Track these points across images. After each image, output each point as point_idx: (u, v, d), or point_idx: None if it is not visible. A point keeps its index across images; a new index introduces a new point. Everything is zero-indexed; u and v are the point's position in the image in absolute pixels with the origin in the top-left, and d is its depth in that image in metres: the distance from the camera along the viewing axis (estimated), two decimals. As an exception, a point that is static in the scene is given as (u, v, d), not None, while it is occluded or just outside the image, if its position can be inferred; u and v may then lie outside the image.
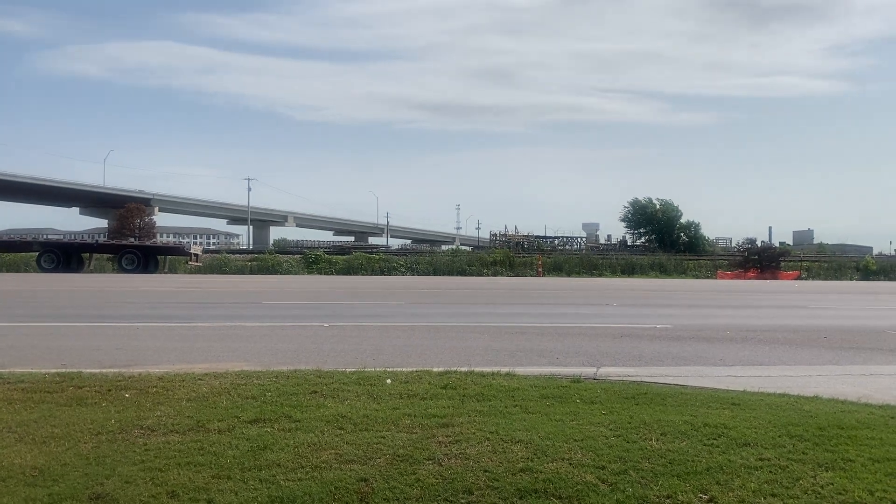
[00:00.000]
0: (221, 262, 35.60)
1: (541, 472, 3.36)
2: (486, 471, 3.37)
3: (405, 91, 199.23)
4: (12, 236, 47.08)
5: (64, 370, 5.58)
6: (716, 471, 3.41)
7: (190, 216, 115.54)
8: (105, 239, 52.34)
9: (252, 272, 33.39)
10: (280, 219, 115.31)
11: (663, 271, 37.75)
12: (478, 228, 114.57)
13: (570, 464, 3.47)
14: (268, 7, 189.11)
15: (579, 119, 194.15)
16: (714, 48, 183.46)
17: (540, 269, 35.50)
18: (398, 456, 3.55)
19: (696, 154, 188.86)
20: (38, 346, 7.60)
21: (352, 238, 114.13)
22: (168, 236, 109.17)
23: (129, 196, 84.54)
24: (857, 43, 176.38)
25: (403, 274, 34.57)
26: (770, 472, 3.42)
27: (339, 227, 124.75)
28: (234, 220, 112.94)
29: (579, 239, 64.73)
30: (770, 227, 68.90)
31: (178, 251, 35.10)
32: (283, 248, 64.15)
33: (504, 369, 5.79)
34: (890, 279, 35.93)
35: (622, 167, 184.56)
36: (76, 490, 3.11)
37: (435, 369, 5.77)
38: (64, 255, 31.43)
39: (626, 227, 60.85)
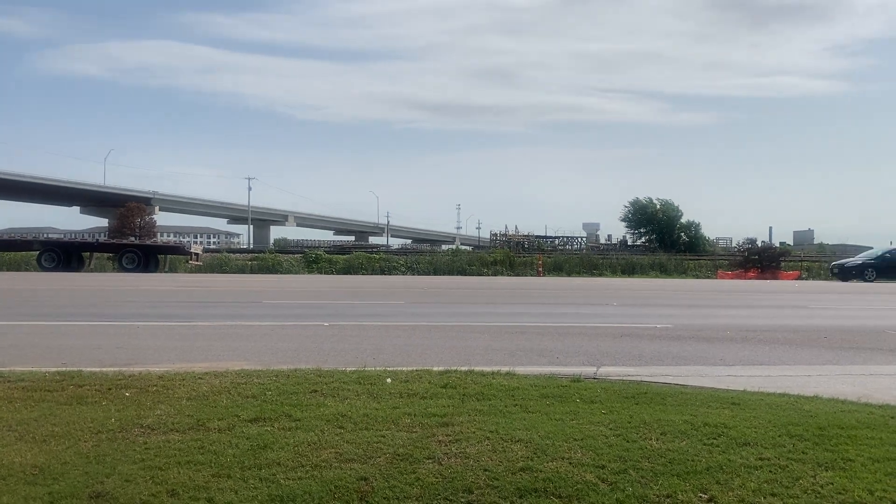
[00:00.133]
0: (222, 261, 35.62)
1: (541, 472, 3.36)
2: (486, 470, 3.38)
3: (405, 91, 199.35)
4: (13, 235, 47.09)
5: (64, 369, 5.58)
6: (716, 470, 3.42)
7: (190, 215, 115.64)
8: (105, 238, 52.40)
9: (252, 271, 33.40)
10: (280, 218, 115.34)
11: (664, 271, 37.74)
12: (478, 228, 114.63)
13: (570, 463, 3.47)
14: (268, 7, 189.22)
15: (579, 119, 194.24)
16: (714, 48, 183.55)
17: (540, 269, 35.50)
18: (398, 455, 3.55)
19: (697, 154, 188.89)
20: (38, 345, 7.60)
21: (352, 237, 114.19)
22: (168, 235, 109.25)
23: (129, 195, 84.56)
24: (857, 43, 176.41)
25: (404, 273, 34.57)
26: (770, 471, 3.42)
27: (340, 227, 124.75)
28: (235, 220, 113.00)
29: (579, 239, 64.70)
30: (770, 227, 68.83)
31: (179, 250, 35.09)
32: (284, 247, 64.16)
33: (504, 369, 5.79)
34: (890, 279, 35.90)
35: (622, 167, 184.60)
36: (76, 488, 3.11)
37: (435, 368, 5.77)
38: (64, 255, 31.43)
39: (627, 226, 60.84)
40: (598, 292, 20.51)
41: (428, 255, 43.22)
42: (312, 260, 35.96)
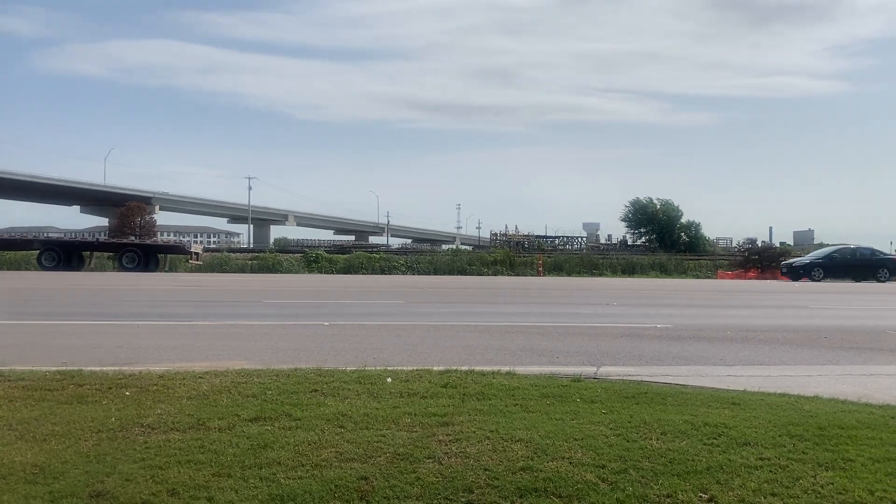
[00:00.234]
0: (222, 260, 35.61)
1: (541, 471, 3.36)
2: (486, 469, 3.38)
3: (405, 91, 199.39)
4: (13, 234, 47.04)
5: (64, 368, 5.58)
6: (716, 470, 3.42)
7: (190, 215, 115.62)
8: (106, 237, 52.39)
9: (252, 271, 33.40)
10: (280, 218, 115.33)
11: (664, 271, 37.73)
12: (478, 228, 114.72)
13: (571, 463, 3.47)
14: (268, 6, 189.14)
15: (579, 119, 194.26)
16: (714, 48, 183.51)
17: (540, 269, 35.50)
18: (398, 454, 3.55)
19: (697, 154, 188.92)
20: (38, 344, 7.61)
21: (352, 237, 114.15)
22: (169, 235, 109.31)
23: (129, 195, 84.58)
24: (858, 43, 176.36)
25: (404, 273, 34.57)
26: (770, 471, 3.42)
27: (340, 227, 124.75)
28: (235, 219, 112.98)
29: (580, 238, 64.68)
30: (770, 227, 68.77)
31: (179, 250, 35.05)
32: (284, 246, 64.18)
33: (504, 368, 5.79)
34: (890, 279, 35.90)
35: (622, 167, 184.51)
36: (76, 488, 3.11)
37: (435, 368, 5.77)
38: (65, 254, 31.41)
39: (627, 226, 60.81)
40: (599, 292, 20.51)
41: (428, 255, 43.18)
42: (313, 259, 35.95)
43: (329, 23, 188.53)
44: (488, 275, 34.43)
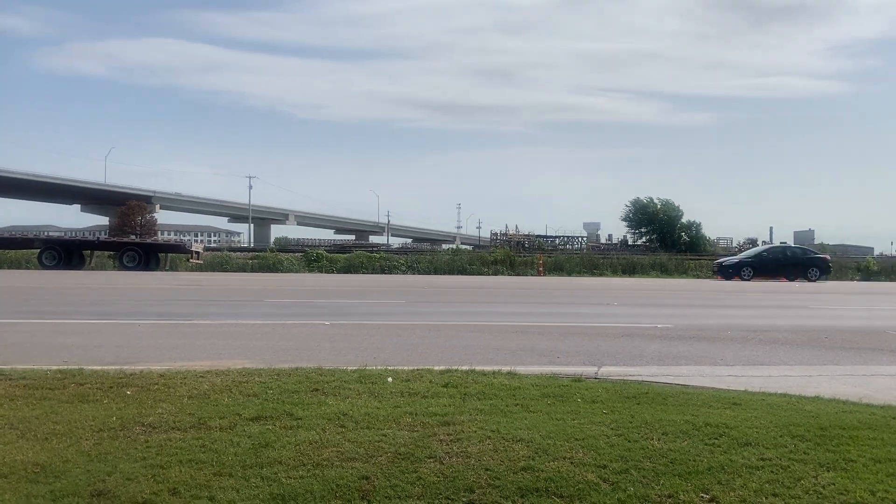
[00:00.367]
0: (222, 259, 35.56)
1: (542, 471, 3.36)
2: (487, 469, 3.38)
3: (406, 90, 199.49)
4: (14, 233, 47.04)
5: (66, 367, 5.58)
6: (717, 470, 3.41)
7: (191, 214, 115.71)
8: (106, 236, 52.37)
9: (253, 270, 33.38)
10: (281, 217, 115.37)
11: (664, 271, 37.70)
12: (478, 227, 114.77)
13: (572, 463, 3.47)
14: (269, 5, 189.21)
15: (580, 119, 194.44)
16: (715, 48, 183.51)
17: (541, 269, 35.48)
18: (400, 454, 3.55)
19: (697, 154, 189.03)
20: (39, 343, 7.61)
21: (353, 236, 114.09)
22: (169, 234, 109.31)
23: (130, 194, 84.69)
24: (859, 43, 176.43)
25: (404, 273, 34.56)
26: (772, 471, 3.42)
27: (340, 226, 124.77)
28: (235, 218, 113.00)
29: (580, 238, 64.62)
30: (771, 228, 68.60)
31: (179, 249, 35.04)
32: (284, 246, 64.03)
33: (505, 368, 5.79)
34: (891, 279, 35.92)
35: (623, 167, 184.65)
36: (78, 487, 3.11)
37: (436, 368, 5.77)
38: (65, 253, 31.40)
39: (627, 226, 60.72)
40: (599, 292, 20.50)
41: (428, 255, 43.12)
42: (313, 259, 35.92)
43: (329, 22, 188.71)
44: (488, 274, 34.42)
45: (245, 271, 33.06)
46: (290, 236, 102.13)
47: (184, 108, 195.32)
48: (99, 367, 5.65)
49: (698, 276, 36.90)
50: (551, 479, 3.27)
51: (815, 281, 30.83)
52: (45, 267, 30.36)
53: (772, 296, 20.58)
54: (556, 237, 62.15)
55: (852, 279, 36.22)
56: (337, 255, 39.50)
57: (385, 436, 3.84)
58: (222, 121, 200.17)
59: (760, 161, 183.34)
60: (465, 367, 5.76)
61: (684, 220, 57.99)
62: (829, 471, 3.44)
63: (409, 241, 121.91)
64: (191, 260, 32.77)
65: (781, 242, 40.09)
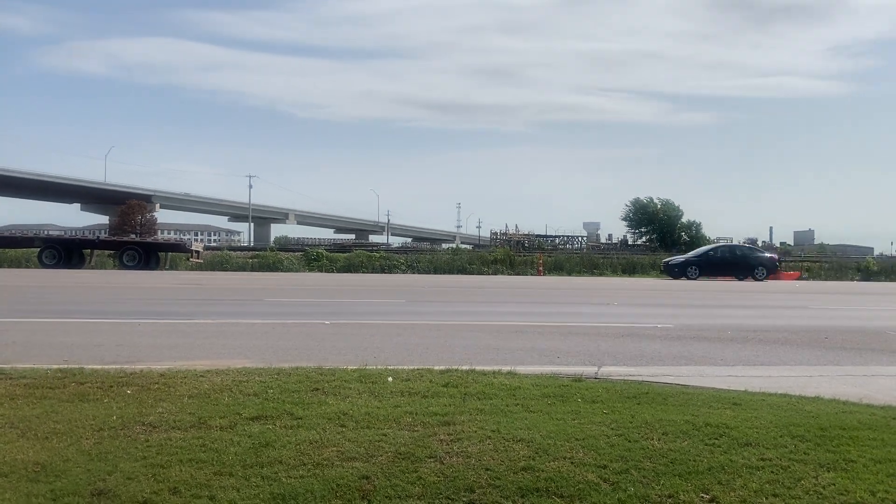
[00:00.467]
0: (222, 259, 35.54)
1: (542, 471, 3.36)
2: (487, 469, 3.38)
3: (407, 89, 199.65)
4: (14, 232, 47.04)
5: (66, 366, 5.58)
6: (717, 471, 3.42)
7: (191, 213, 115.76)
8: (106, 235, 52.30)
9: (253, 269, 33.36)
10: (281, 216, 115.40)
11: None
12: (478, 227, 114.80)
13: (572, 463, 3.47)
14: (269, 4, 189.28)
15: (580, 119, 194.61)
16: (716, 48, 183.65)
17: (541, 268, 35.47)
18: (400, 454, 3.55)
19: (697, 154, 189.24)
20: (40, 342, 7.60)
21: (352, 236, 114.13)
22: (169, 233, 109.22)
23: (130, 193, 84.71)
24: (859, 44, 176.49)
25: (404, 272, 34.55)
26: (772, 472, 3.42)
27: (340, 225, 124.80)
28: (236, 218, 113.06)
29: (580, 238, 64.75)
30: (771, 228, 68.96)
31: (179, 248, 35.03)
32: (284, 245, 64.12)
33: (505, 368, 5.79)
34: (891, 280, 35.89)
35: (623, 167, 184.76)
36: (78, 486, 3.11)
37: (436, 367, 5.77)
38: (65, 252, 31.40)
39: (627, 226, 60.86)
40: (599, 292, 20.50)
41: (428, 254, 43.16)
42: (313, 258, 35.89)
43: (330, 21, 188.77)
44: (488, 274, 34.41)
45: (245, 270, 33.05)
46: (290, 235, 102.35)
47: (184, 107, 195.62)
48: (99, 367, 5.65)
49: (698, 276, 36.84)
50: (551, 479, 3.28)
51: (761, 280, 30.62)
52: (45, 266, 30.36)
53: (772, 296, 20.57)
54: (556, 237, 62.24)
55: (852, 279, 36.21)
56: (337, 254, 39.50)
57: (385, 435, 3.84)
58: (222, 120, 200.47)
59: (760, 161, 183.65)
60: (465, 367, 5.76)
61: (684, 219, 58.12)
62: (829, 471, 3.44)
63: (409, 240, 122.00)
64: (191, 259, 32.77)
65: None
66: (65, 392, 4.71)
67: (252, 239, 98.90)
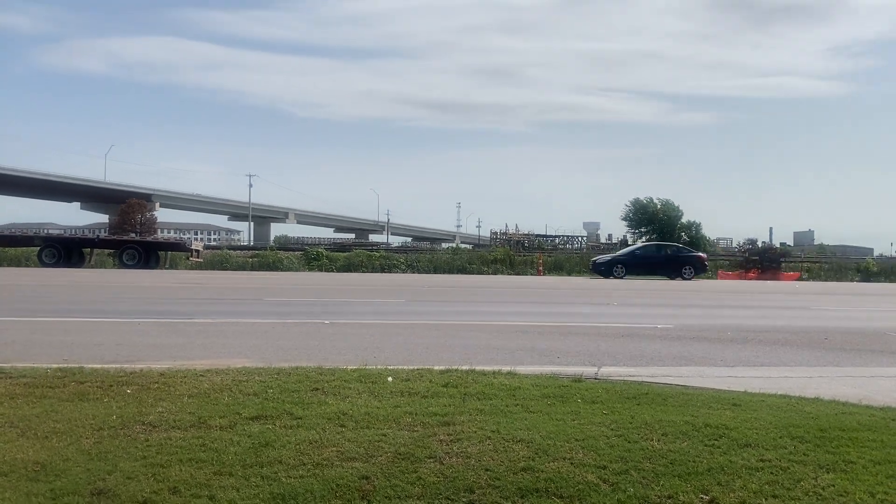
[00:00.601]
0: (222, 258, 35.57)
1: (542, 472, 3.36)
2: (487, 469, 3.38)
3: (407, 89, 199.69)
4: (13, 231, 47.04)
5: (66, 365, 5.58)
6: (717, 471, 3.42)
7: (191, 212, 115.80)
8: (106, 234, 52.26)
9: (253, 269, 33.37)
10: (281, 215, 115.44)
11: (664, 271, 37.62)
12: (478, 227, 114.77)
13: (572, 463, 3.47)
14: (270, 4, 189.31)
15: (580, 118, 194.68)
16: (716, 48, 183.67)
17: (540, 268, 35.47)
18: (399, 454, 3.55)
19: (697, 154, 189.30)
20: (39, 342, 7.61)
21: (352, 235, 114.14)
22: (169, 232, 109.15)
23: (130, 192, 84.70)
24: (859, 44, 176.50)
25: (404, 271, 34.56)
26: (771, 473, 3.42)
27: (340, 225, 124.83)
28: (235, 217, 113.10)
29: (580, 238, 64.80)
30: (771, 228, 68.83)
31: (179, 247, 35.04)
32: (284, 244, 64.07)
33: (505, 368, 5.79)
34: (891, 281, 35.91)
35: (623, 167, 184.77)
36: (78, 485, 3.11)
37: (436, 367, 5.77)
38: (65, 250, 31.41)
39: (627, 226, 60.77)
40: (599, 292, 20.50)
41: (428, 254, 43.18)
42: (313, 257, 35.91)
43: (331, 21, 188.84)
44: (488, 274, 34.41)
45: (245, 270, 33.06)
46: (290, 234, 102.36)
47: (184, 106, 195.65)
48: (99, 366, 5.64)
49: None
50: (551, 479, 3.28)
51: (689, 279, 30.49)
52: (44, 265, 30.36)
53: (772, 296, 20.58)
54: (556, 237, 62.29)
55: (852, 280, 36.21)
56: (337, 253, 39.51)
57: (385, 435, 3.84)
58: (223, 119, 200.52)
59: (760, 161, 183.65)
60: (465, 367, 5.76)
61: (684, 219, 58.05)
62: (828, 472, 3.44)
63: (409, 239, 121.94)
64: (190, 258, 32.79)
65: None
66: (64, 391, 4.71)
67: (252, 238, 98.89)
